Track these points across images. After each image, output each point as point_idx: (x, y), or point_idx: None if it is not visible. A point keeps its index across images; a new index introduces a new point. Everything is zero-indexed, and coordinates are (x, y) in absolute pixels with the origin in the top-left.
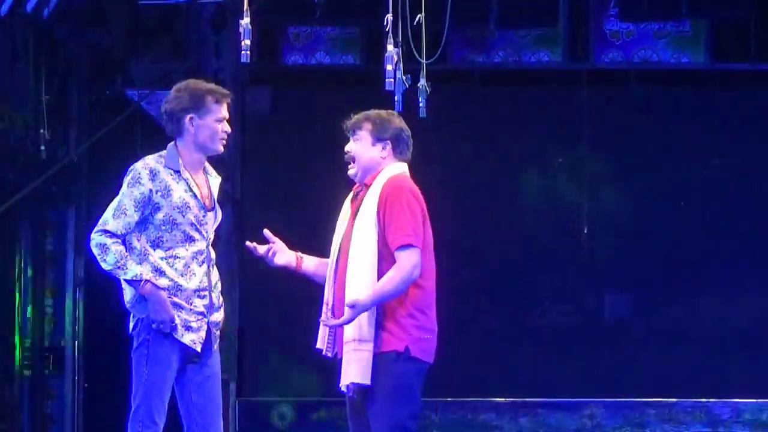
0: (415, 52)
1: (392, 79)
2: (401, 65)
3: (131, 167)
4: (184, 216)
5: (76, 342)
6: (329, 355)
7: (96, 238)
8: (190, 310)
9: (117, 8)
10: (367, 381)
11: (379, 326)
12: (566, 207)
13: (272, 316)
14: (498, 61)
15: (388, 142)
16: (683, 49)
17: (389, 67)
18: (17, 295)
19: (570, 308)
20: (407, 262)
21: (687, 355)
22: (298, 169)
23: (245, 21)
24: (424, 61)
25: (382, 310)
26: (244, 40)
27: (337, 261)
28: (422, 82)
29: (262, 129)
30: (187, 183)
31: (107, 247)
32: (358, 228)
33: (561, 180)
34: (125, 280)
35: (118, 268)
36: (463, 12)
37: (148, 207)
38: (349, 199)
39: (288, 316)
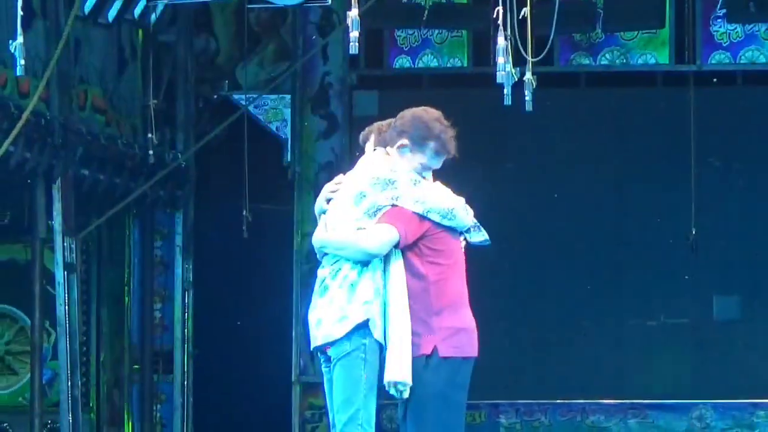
0: (521, 50)
1: (503, 72)
2: (510, 58)
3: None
4: None
5: (186, 346)
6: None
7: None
8: None
9: (224, 13)
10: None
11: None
12: (673, 209)
13: None
14: (605, 64)
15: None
16: None
17: (500, 60)
18: (126, 299)
19: (679, 311)
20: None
21: None
22: None
23: (353, 12)
24: (530, 57)
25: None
26: (352, 31)
27: None
28: (528, 75)
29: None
30: None
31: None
32: None
33: (667, 182)
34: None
35: None
36: (569, 16)
37: None
38: None
39: None
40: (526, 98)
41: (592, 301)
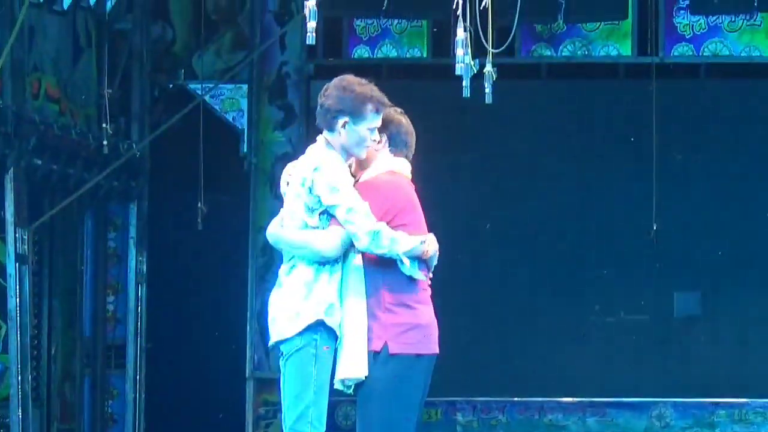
0: (483, 40)
1: (462, 64)
2: (470, 51)
3: (318, 159)
4: None
5: (138, 340)
6: None
7: (368, 228)
8: None
9: (180, 1)
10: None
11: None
12: (634, 203)
13: None
14: (566, 55)
15: (385, 136)
16: (755, 43)
17: (459, 52)
18: (79, 291)
19: (640, 307)
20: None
21: (758, 355)
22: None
23: (311, 2)
24: (490, 48)
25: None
26: (309, 21)
27: None
28: (489, 68)
29: None
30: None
31: (377, 232)
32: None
33: (629, 175)
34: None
35: (393, 244)
36: (531, 5)
37: None
38: None
39: None
40: (487, 90)
41: (551, 297)
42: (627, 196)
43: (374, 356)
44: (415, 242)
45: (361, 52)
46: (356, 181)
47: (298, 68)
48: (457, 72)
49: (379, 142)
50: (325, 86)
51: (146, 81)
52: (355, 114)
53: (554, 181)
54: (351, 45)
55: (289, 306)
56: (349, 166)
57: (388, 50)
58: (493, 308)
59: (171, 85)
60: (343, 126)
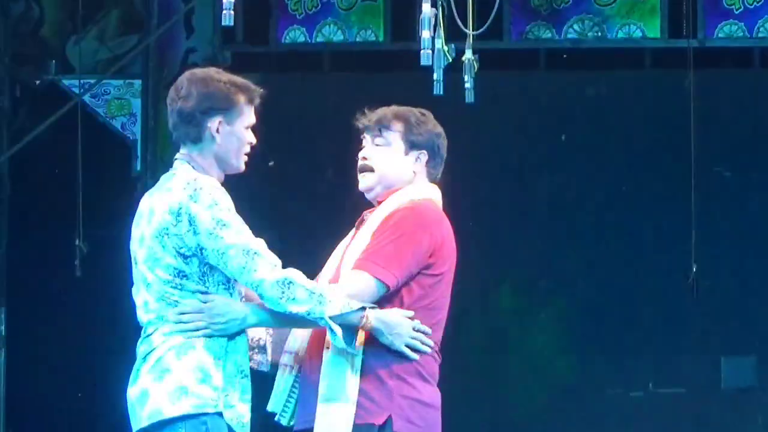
0: (458, 20)
1: (429, 50)
2: (441, 33)
3: (196, 187)
4: None
5: None
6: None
7: (269, 277)
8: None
9: None
10: None
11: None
12: (666, 236)
13: None
14: (572, 38)
15: (424, 152)
16: None
17: (425, 34)
18: None
19: (673, 376)
20: (346, 286)
21: None
22: (297, 181)
23: None
24: (470, 30)
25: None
26: None
27: None
28: (468, 55)
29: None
30: None
31: (291, 281)
32: (353, 253)
33: (658, 199)
34: (335, 318)
35: (318, 303)
36: None
37: None
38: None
39: None
40: (467, 85)
41: (555, 367)
42: (656, 226)
43: (367, 430)
44: (353, 306)
45: (295, 35)
46: (375, 208)
47: (210, 57)
48: (423, 61)
49: (416, 160)
50: (173, 88)
51: (5, 76)
52: (229, 109)
53: (555, 204)
54: (281, 26)
55: None
56: (368, 191)
57: (331, 32)
58: (493, 388)
59: (38, 81)
60: (217, 129)
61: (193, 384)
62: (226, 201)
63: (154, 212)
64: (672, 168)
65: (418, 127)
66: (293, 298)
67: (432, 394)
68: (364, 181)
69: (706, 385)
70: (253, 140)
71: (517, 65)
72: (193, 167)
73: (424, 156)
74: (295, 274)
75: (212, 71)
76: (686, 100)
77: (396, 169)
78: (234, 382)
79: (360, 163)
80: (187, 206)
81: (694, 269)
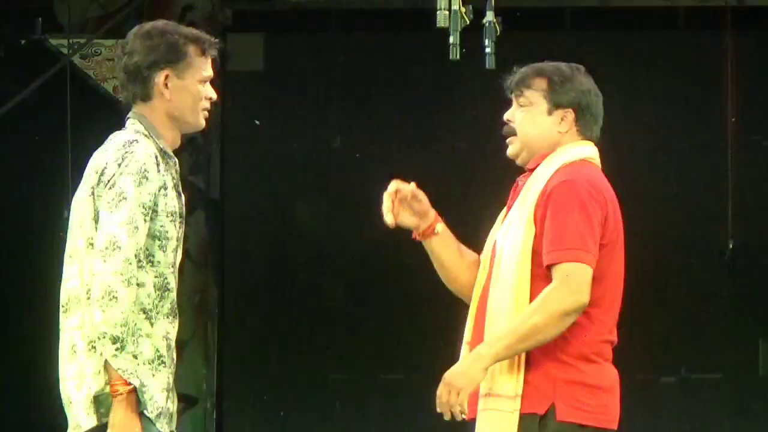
0: None
1: (446, 11)
2: None
3: (125, 152)
4: (175, 226)
5: None
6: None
7: (110, 272)
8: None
9: None
10: None
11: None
12: (700, 209)
13: None
14: None
15: (570, 110)
16: None
17: None
18: None
19: (708, 361)
20: (561, 286)
21: None
22: (304, 152)
23: None
24: None
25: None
26: None
27: (486, 280)
28: (489, 17)
29: (250, 94)
30: (177, 173)
31: (118, 296)
32: (507, 232)
33: (692, 168)
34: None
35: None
36: None
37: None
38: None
39: None
40: (487, 50)
41: None
42: (690, 197)
43: (531, 421)
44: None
45: None
46: (526, 175)
47: (210, 16)
48: (439, 23)
49: (562, 120)
50: (119, 44)
51: None
52: (177, 62)
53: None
54: None
55: None
56: (515, 157)
57: None
58: None
59: (23, 41)
60: (165, 84)
61: None
62: (151, 184)
63: (89, 172)
64: (707, 136)
65: (562, 84)
66: (104, 310)
67: (598, 374)
68: (510, 148)
69: (743, 371)
70: (213, 95)
71: (540, 26)
72: (144, 126)
73: (570, 115)
74: (130, 297)
75: (160, 23)
76: (723, 62)
77: (539, 130)
78: None
79: (504, 128)
80: (112, 168)
81: (731, 246)
